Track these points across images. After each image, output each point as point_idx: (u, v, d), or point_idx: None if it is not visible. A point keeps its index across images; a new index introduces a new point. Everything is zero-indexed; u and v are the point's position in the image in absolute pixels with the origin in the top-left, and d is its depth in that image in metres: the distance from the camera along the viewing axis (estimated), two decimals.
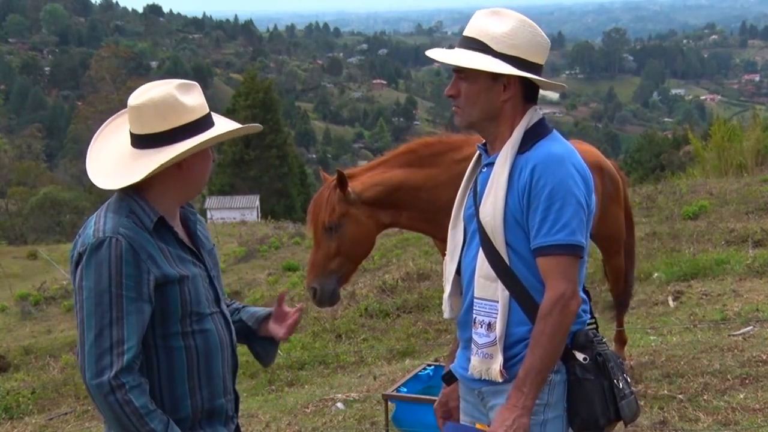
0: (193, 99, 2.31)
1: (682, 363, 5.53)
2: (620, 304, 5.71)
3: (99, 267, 2.16)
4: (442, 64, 2.51)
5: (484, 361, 2.42)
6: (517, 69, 2.37)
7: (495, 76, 2.38)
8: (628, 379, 2.49)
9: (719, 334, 6.22)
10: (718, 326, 6.42)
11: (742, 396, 4.85)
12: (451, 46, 2.52)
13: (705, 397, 4.90)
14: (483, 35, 2.40)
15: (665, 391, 5.05)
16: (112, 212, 2.26)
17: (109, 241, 2.18)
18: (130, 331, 2.16)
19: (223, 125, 2.40)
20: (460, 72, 2.42)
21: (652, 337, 6.37)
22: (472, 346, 2.46)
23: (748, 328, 6.18)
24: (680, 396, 4.95)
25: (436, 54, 2.47)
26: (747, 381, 5.06)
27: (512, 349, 2.39)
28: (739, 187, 13.05)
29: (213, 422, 2.36)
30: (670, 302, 7.55)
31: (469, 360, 2.48)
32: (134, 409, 2.14)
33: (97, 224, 2.23)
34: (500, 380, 2.39)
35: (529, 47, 2.39)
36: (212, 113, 2.41)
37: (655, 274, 8.44)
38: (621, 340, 5.73)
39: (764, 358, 5.40)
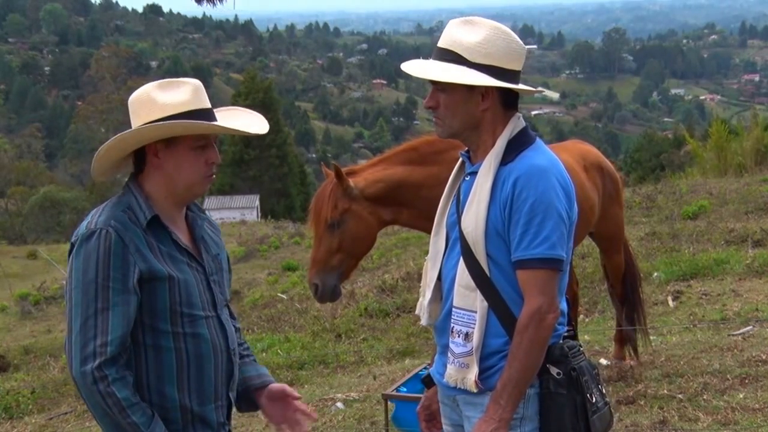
0: (171, 96, 2.31)
1: (681, 363, 5.53)
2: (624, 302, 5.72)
3: (87, 257, 2.20)
4: None
5: (460, 371, 2.43)
6: (493, 78, 2.36)
7: (471, 87, 2.38)
8: (603, 391, 2.50)
9: (719, 333, 6.22)
10: (717, 326, 6.43)
11: (741, 396, 4.85)
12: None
13: (705, 397, 4.90)
14: (456, 46, 2.39)
15: (665, 391, 5.05)
16: (110, 206, 2.30)
17: (99, 233, 2.21)
18: (115, 322, 2.18)
19: (226, 122, 2.41)
20: (437, 84, 2.41)
21: (651, 337, 6.37)
22: (449, 354, 2.47)
23: (748, 328, 6.18)
24: (680, 396, 4.95)
25: (410, 68, 2.46)
26: (746, 381, 5.06)
27: (488, 360, 2.41)
28: (738, 187, 13.06)
29: (206, 428, 2.36)
30: (670, 302, 7.55)
31: (445, 366, 2.49)
32: (116, 401, 2.16)
33: (92, 217, 2.28)
34: (475, 390, 2.40)
35: (503, 55, 2.38)
36: (238, 109, 2.45)
37: (655, 274, 8.44)
38: (621, 339, 5.73)
39: (764, 357, 5.40)
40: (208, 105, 2.38)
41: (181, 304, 2.29)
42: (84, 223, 2.28)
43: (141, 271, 2.22)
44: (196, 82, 2.39)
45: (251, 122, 2.49)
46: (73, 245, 2.25)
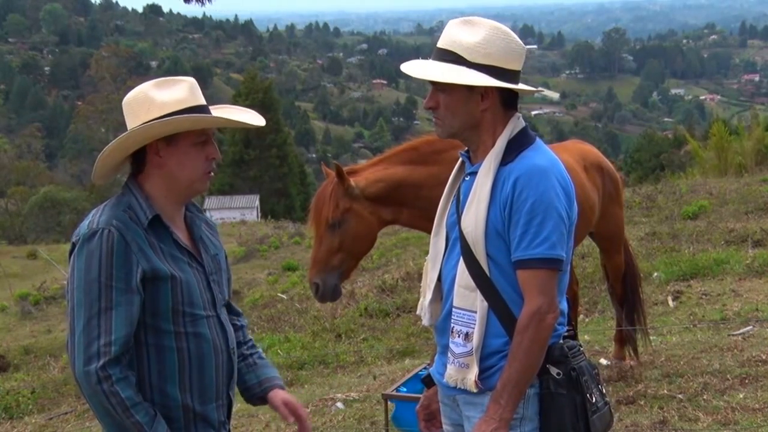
0: (169, 94, 2.32)
1: (681, 363, 5.53)
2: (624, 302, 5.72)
3: (90, 257, 2.19)
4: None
5: (460, 371, 2.43)
6: (493, 78, 2.36)
7: (471, 87, 2.38)
8: (603, 391, 2.50)
9: (719, 333, 6.22)
10: (717, 326, 6.43)
11: (741, 396, 4.85)
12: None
13: (705, 397, 4.90)
14: (456, 46, 2.39)
15: (665, 391, 5.05)
16: (111, 206, 2.30)
17: (102, 232, 2.21)
18: (119, 322, 2.18)
19: (227, 116, 2.41)
20: (437, 84, 2.41)
21: (651, 337, 6.37)
22: (449, 354, 2.47)
23: (748, 328, 6.18)
24: (680, 396, 4.95)
25: (410, 68, 2.45)
26: (746, 381, 5.06)
27: (488, 360, 2.41)
28: (738, 186, 13.07)
29: (207, 427, 2.37)
30: (670, 302, 7.55)
31: (445, 366, 2.49)
32: (120, 401, 2.16)
33: (93, 216, 2.28)
34: (475, 390, 2.41)
35: (503, 55, 2.38)
36: (231, 107, 2.44)
37: (655, 274, 8.44)
38: (621, 339, 5.73)
39: (764, 357, 5.40)
40: (204, 102, 2.39)
41: (183, 303, 2.29)
42: (85, 223, 2.28)
43: (144, 270, 2.22)
44: (191, 80, 2.39)
45: (248, 117, 2.48)
46: (74, 245, 2.25)
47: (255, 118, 2.48)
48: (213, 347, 2.35)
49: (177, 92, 2.32)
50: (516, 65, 2.42)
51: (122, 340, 2.18)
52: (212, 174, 2.41)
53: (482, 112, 2.42)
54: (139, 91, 2.34)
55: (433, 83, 2.42)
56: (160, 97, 2.31)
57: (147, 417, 2.20)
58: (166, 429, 2.23)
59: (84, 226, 2.26)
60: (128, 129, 2.32)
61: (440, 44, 2.44)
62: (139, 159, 2.35)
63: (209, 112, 2.39)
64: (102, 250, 2.19)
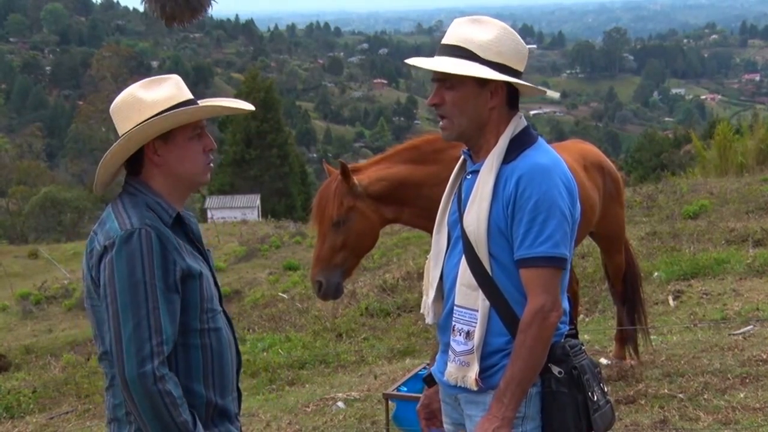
0: (157, 93, 2.31)
1: (682, 362, 5.53)
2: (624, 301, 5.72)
3: (131, 258, 2.17)
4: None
5: (461, 369, 2.43)
6: (506, 76, 2.37)
7: (482, 84, 2.37)
8: (605, 389, 2.50)
9: (719, 333, 6.22)
10: (718, 325, 6.43)
11: (742, 395, 4.85)
12: None
13: (705, 396, 4.90)
14: (468, 43, 2.39)
15: (665, 390, 5.05)
16: (132, 207, 2.28)
17: (139, 233, 2.19)
18: (166, 321, 2.18)
19: (220, 104, 2.42)
20: (445, 81, 2.40)
21: (652, 337, 6.37)
22: (450, 352, 2.48)
23: (748, 328, 6.18)
24: (680, 395, 4.95)
25: (421, 62, 2.44)
26: (747, 380, 5.06)
27: (489, 359, 2.41)
28: (739, 186, 13.07)
29: (224, 420, 2.38)
30: (671, 301, 7.55)
31: (446, 364, 2.50)
32: (173, 400, 2.17)
33: (120, 218, 2.24)
34: (475, 388, 2.41)
35: (512, 55, 2.40)
36: (217, 99, 2.43)
37: (656, 274, 8.44)
38: (621, 339, 5.73)
39: (764, 357, 5.40)
40: (191, 96, 2.39)
41: (207, 300, 2.31)
42: (113, 225, 2.24)
43: (182, 269, 2.23)
44: (176, 77, 2.39)
45: (238, 104, 2.48)
46: (106, 248, 2.21)
47: (245, 105, 2.48)
48: (227, 341, 2.38)
49: (165, 90, 2.32)
50: (521, 66, 2.44)
51: (171, 339, 2.19)
52: (211, 165, 2.42)
53: (490, 110, 2.42)
54: (126, 94, 2.33)
55: (439, 80, 2.41)
56: (149, 98, 2.30)
57: (190, 416, 2.22)
58: (201, 427, 2.26)
59: (116, 228, 2.22)
60: (120, 134, 2.31)
61: (449, 41, 2.42)
62: (135, 162, 2.34)
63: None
64: (143, 250, 2.18)
